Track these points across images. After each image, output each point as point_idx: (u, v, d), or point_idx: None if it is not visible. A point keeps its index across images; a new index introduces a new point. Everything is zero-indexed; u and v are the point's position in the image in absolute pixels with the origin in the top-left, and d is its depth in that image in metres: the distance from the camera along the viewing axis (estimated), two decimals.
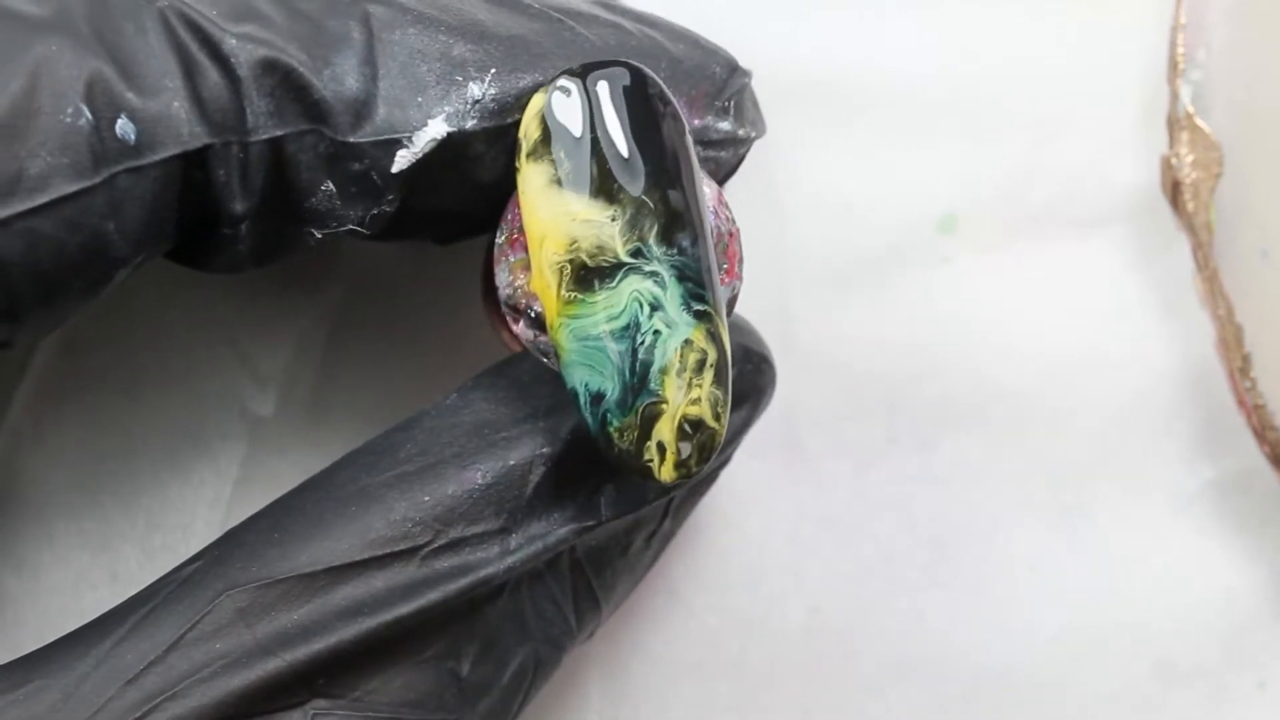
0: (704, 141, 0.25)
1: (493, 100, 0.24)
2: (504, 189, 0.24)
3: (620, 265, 0.23)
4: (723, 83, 0.26)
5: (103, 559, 0.29)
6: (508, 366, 0.25)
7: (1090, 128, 0.31)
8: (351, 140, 0.23)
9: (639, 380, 0.23)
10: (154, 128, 0.22)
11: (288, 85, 0.23)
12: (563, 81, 0.23)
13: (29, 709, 0.22)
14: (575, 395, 0.23)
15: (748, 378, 0.26)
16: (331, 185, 0.24)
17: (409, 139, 0.23)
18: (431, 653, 0.24)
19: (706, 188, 0.24)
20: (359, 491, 0.24)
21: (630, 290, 0.23)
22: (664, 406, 0.23)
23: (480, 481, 0.24)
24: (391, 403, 0.30)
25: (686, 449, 0.23)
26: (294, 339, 0.30)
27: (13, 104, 0.21)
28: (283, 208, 0.24)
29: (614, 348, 0.23)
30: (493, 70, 0.24)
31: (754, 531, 0.31)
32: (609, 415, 0.23)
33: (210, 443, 0.30)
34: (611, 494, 0.25)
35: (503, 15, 0.24)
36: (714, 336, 0.23)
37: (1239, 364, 0.30)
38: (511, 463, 0.24)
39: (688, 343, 0.23)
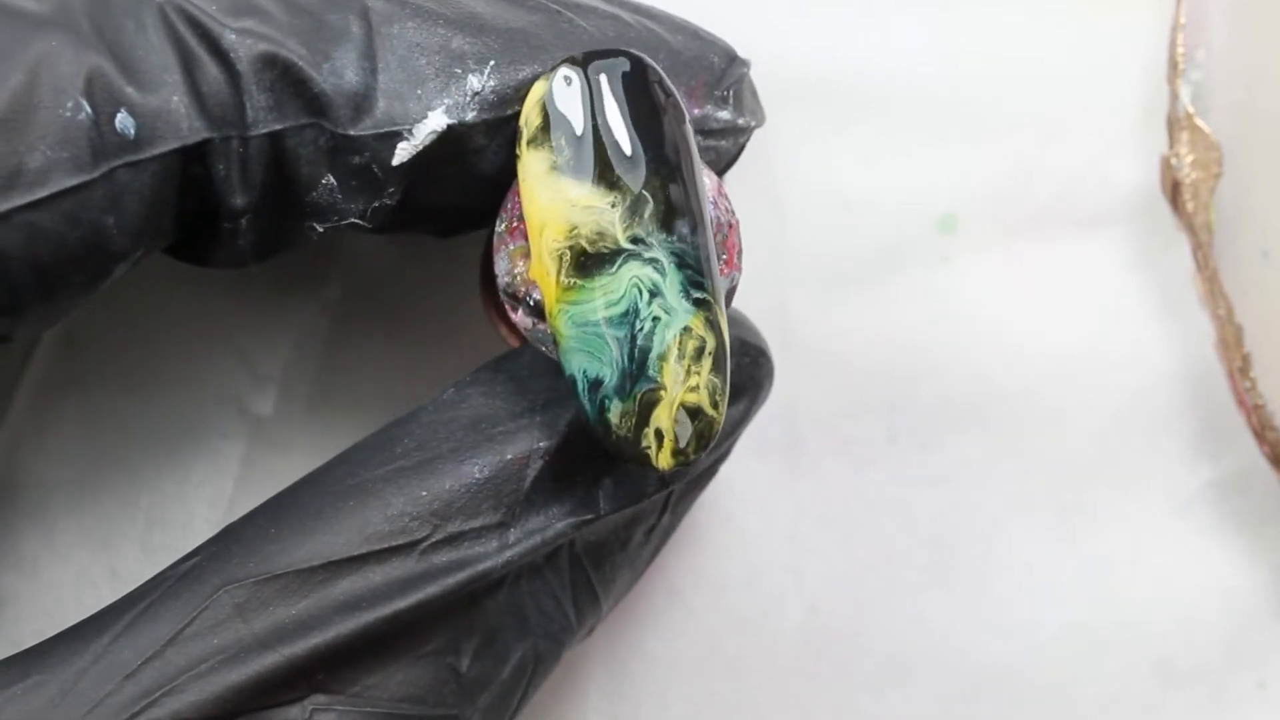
0: (704, 131, 0.25)
1: (492, 92, 0.24)
2: (504, 181, 0.24)
3: (620, 251, 0.23)
4: (721, 72, 0.26)
5: (102, 556, 0.29)
6: (505, 361, 0.25)
7: (1090, 128, 0.31)
8: (352, 133, 0.23)
9: (637, 367, 0.23)
10: (153, 122, 0.22)
11: (287, 79, 0.23)
12: (564, 69, 0.23)
13: (27, 704, 0.22)
14: (573, 382, 0.23)
15: (745, 371, 0.26)
16: (332, 179, 0.24)
17: (409, 131, 0.23)
18: (430, 647, 0.24)
19: (706, 178, 0.24)
20: (356, 487, 0.24)
21: (629, 276, 0.23)
22: (662, 393, 0.23)
23: (478, 476, 0.24)
24: (390, 400, 0.30)
25: (684, 436, 0.23)
26: (293, 337, 0.30)
27: (12, 98, 0.21)
28: (283, 202, 0.24)
29: (612, 334, 0.23)
30: (492, 62, 0.24)
31: (753, 530, 0.31)
32: (607, 401, 0.23)
33: (210, 441, 0.30)
34: (610, 487, 0.25)
35: (501, 8, 0.24)
36: (713, 324, 0.23)
37: (1239, 364, 0.30)
38: (509, 457, 0.24)
39: (686, 330, 0.23)
